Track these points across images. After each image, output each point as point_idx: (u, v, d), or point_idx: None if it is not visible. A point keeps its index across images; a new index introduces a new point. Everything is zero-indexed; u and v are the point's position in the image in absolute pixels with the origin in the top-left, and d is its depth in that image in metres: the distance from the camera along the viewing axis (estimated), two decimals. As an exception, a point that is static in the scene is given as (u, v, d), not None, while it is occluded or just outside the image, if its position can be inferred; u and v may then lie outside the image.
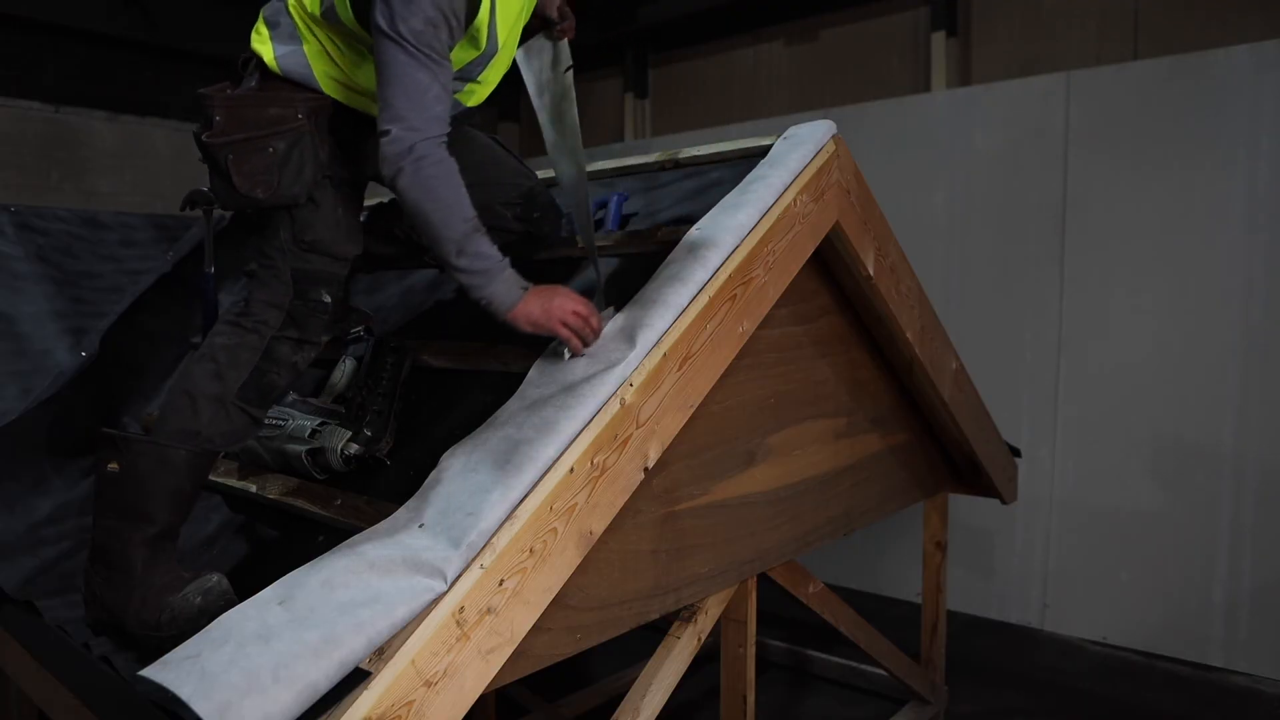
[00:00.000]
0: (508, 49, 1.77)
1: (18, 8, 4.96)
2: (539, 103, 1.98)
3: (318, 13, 1.63)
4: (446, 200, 1.51)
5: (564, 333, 1.56)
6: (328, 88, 1.67)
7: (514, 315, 1.56)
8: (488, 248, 1.55)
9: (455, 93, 1.72)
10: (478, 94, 1.82)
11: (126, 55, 5.57)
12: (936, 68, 4.72)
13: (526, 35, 1.90)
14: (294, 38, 1.65)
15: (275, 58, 1.66)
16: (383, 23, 1.49)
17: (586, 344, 1.58)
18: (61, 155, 5.30)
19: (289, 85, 1.65)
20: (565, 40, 1.95)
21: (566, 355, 1.60)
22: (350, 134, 1.71)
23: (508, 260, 1.58)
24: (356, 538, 1.35)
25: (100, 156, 5.42)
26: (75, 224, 2.84)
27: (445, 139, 1.54)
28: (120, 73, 5.52)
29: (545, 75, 1.96)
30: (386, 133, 1.50)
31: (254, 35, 1.69)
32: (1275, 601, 3.37)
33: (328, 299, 1.65)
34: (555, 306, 1.56)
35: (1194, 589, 3.54)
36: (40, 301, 2.56)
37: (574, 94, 1.95)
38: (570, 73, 1.94)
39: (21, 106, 5.16)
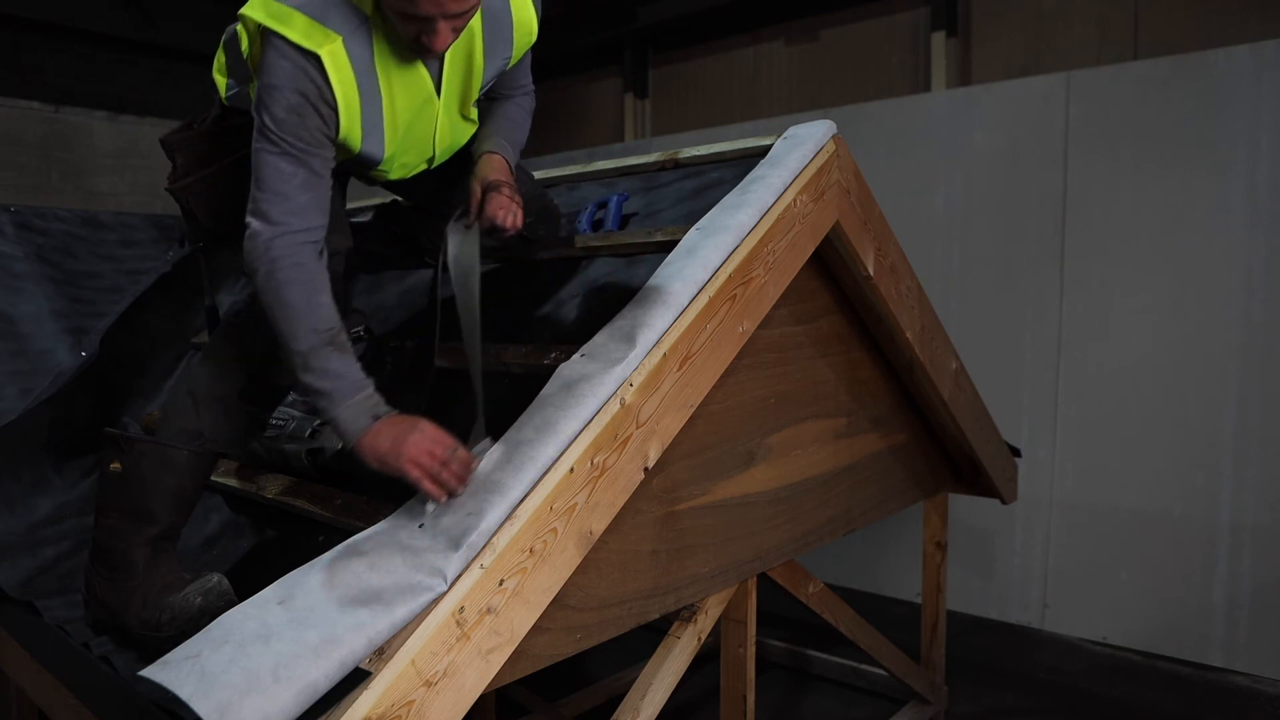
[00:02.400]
0: (416, 137, 1.64)
1: (18, 8, 4.96)
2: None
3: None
4: (296, 308, 1.37)
5: (414, 474, 1.33)
6: None
7: (359, 447, 1.36)
8: (339, 365, 1.38)
9: (371, 168, 1.65)
10: (399, 172, 1.72)
11: (126, 55, 5.57)
12: (936, 68, 4.72)
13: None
14: (242, 72, 1.61)
15: (225, 96, 1.65)
16: (253, 112, 1.43)
17: (449, 490, 1.35)
18: (61, 155, 5.30)
19: (243, 113, 1.62)
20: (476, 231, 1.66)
21: (429, 507, 1.36)
22: None
23: (368, 383, 1.40)
24: (356, 538, 1.35)
25: (100, 156, 5.42)
26: (75, 224, 2.84)
27: (314, 231, 1.43)
28: (120, 73, 5.52)
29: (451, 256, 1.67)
30: (247, 226, 1.40)
31: (215, 63, 1.67)
32: (1275, 601, 3.37)
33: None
34: (409, 444, 1.34)
35: (1194, 589, 3.54)
36: (40, 301, 2.56)
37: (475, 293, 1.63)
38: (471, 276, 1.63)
39: (21, 106, 5.16)
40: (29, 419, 2.16)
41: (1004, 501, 3.13)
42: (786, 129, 2.10)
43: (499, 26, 1.62)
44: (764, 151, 2.07)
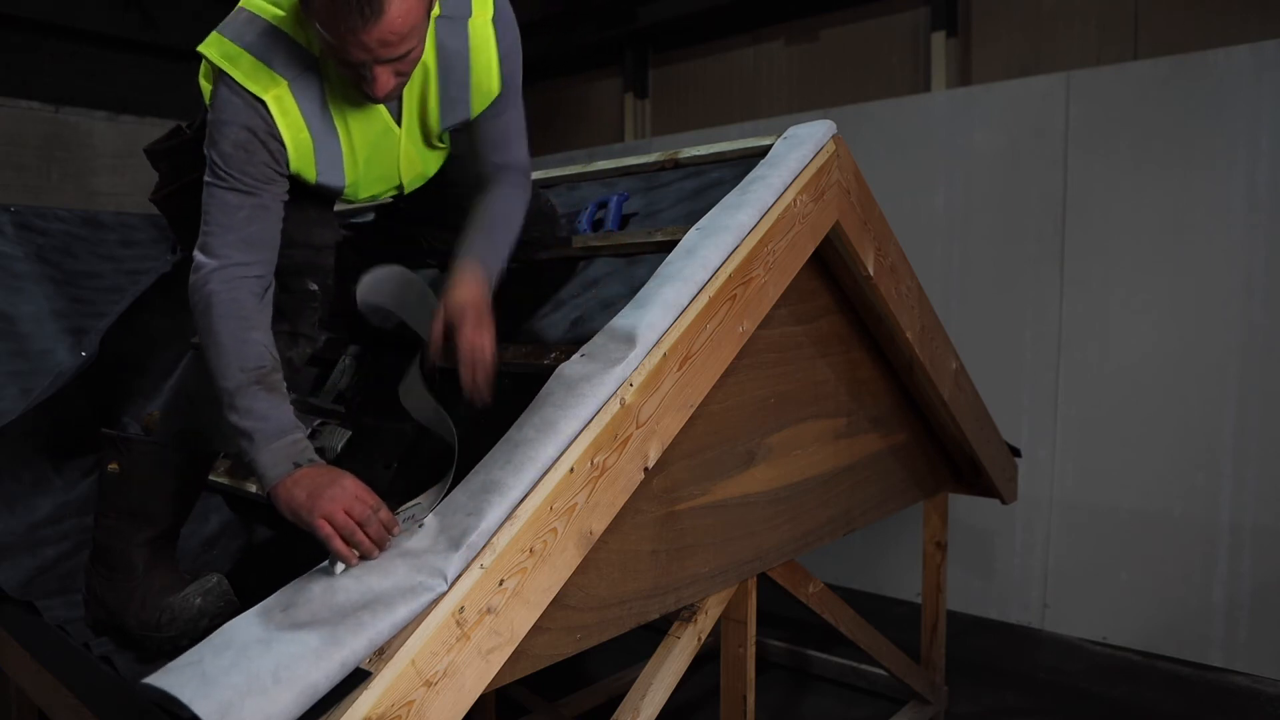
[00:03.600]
0: (379, 166, 1.62)
1: (18, 8, 4.96)
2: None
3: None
4: (225, 345, 1.35)
5: (324, 530, 1.24)
6: None
7: (273, 494, 1.30)
8: (265, 405, 1.33)
9: (335, 197, 1.63)
10: (367, 198, 1.71)
11: (126, 55, 5.57)
12: (936, 68, 4.72)
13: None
14: None
15: (210, 103, 1.67)
16: (204, 148, 1.43)
17: (363, 553, 1.26)
18: (61, 155, 5.30)
19: None
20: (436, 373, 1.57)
21: (337, 569, 1.25)
22: None
23: (296, 428, 1.35)
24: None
25: (100, 156, 5.42)
26: (75, 224, 2.84)
27: (256, 266, 1.42)
28: (120, 73, 5.52)
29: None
30: (192, 258, 1.41)
31: (201, 69, 1.65)
32: (1275, 601, 3.37)
33: (314, 287, 1.65)
34: (325, 498, 1.25)
35: (1194, 589, 3.54)
36: (40, 301, 2.56)
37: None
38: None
39: (21, 106, 5.16)
40: (29, 419, 2.16)
41: (1004, 501, 3.12)
42: (786, 129, 2.10)
43: (452, 69, 1.57)
44: (764, 151, 2.07)
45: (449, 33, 1.54)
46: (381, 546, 1.28)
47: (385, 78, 1.38)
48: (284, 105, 1.43)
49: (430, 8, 1.38)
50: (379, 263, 1.98)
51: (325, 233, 1.68)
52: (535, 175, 2.79)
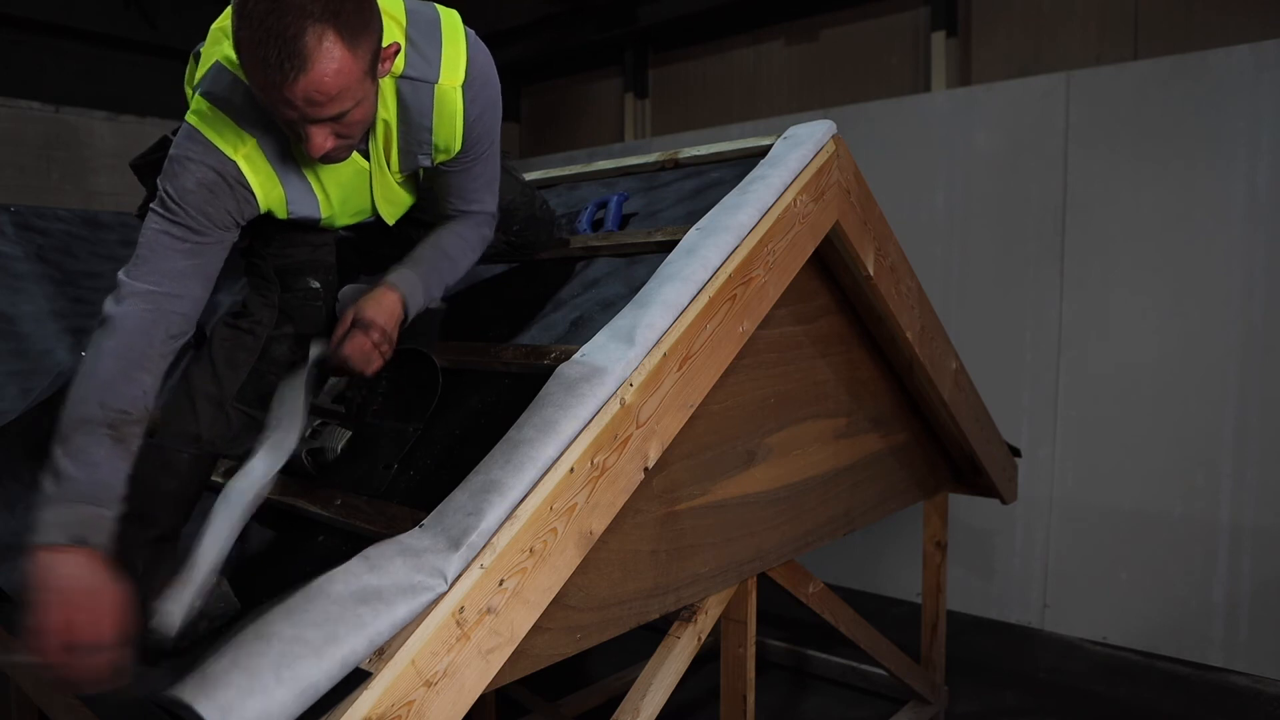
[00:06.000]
0: (353, 200, 1.59)
1: (18, 8, 4.97)
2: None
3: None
4: (103, 373, 1.25)
5: (36, 622, 1.06)
6: None
7: (32, 555, 1.12)
8: (98, 456, 1.19)
9: (313, 226, 1.61)
10: (347, 225, 1.67)
11: (126, 55, 5.57)
12: (936, 68, 4.72)
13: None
14: None
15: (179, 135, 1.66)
16: (159, 181, 1.39)
17: (53, 675, 1.08)
18: (61, 155, 5.30)
19: None
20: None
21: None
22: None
23: (104, 504, 1.18)
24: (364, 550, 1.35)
25: (100, 156, 5.42)
26: (75, 224, 2.84)
27: (180, 301, 1.34)
28: (120, 73, 5.53)
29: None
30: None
31: (186, 75, 1.66)
32: (1275, 601, 3.37)
33: (316, 285, 1.65)
34: (68, 595, 1.07)
35: (1194, 589, 3.54)
36: (40, 301, 2.55)
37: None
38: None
39: (21, 106, 5.16)
40: (29, 419, 2.16)
41: (1004, 501, 3.13)
42: (786, 129, 2.10)
43: (413, 126, 1.53)
44: (764, 151, 2.07)
45: (411, 92, 1.49)
46: (79, 685, 1.10)
47: (320, 138, 1.30)
48: (254, 164, 1.41)
49: (371, 69, 1.31)
50: (380, 263, 1.99)
51: (324, 231, 1.68)
52: (535, 175, 2.80)
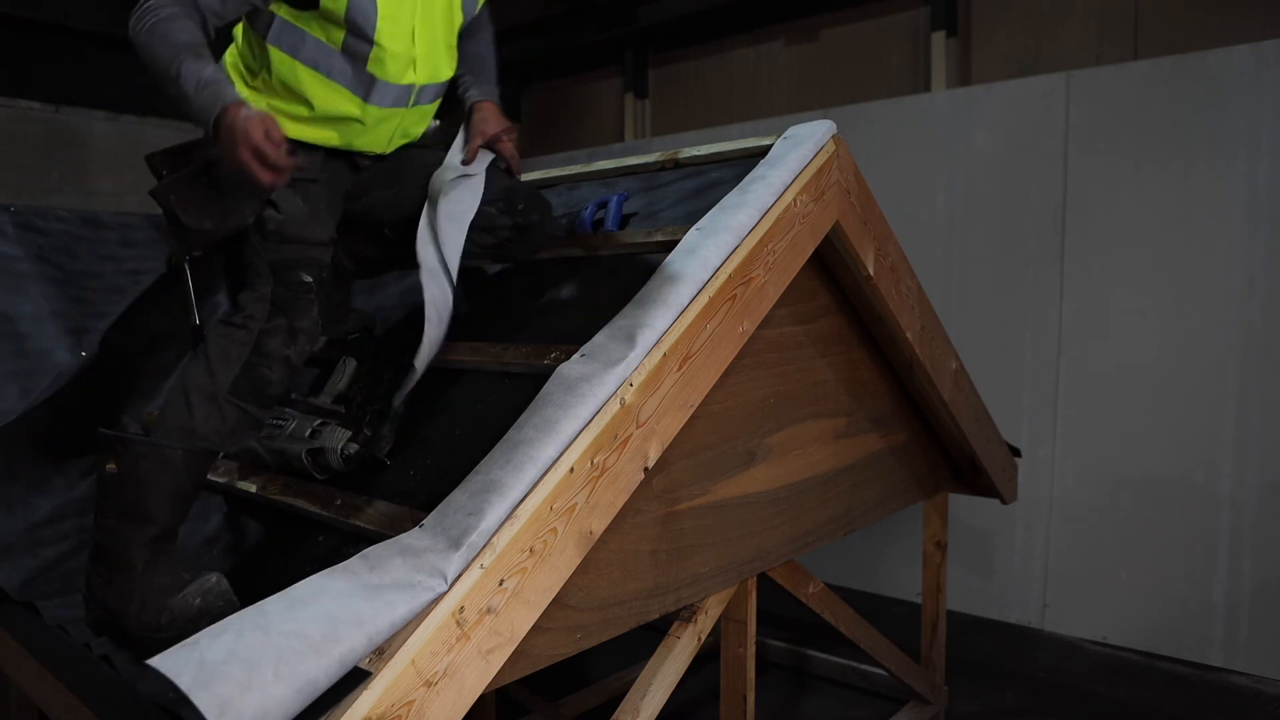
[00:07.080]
0: (401, 24, 1.75)
1: (18, 8, 4.96)
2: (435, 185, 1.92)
3: (248, 61, 1.78)
4: (161, 38, 1.56)
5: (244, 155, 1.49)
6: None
7: (219, 121, 1.52)
8: (196, 67, 1.56)
9: (362, 53, 1.74)
10: (387, 64, 1.79)
11: (126, 55, 5.57)
12: (936, 68, 4.72)
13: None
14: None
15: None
16: None
17: (278, 169, 1.51)
18: (61, 155, 5.30)
19: None
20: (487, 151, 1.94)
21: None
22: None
23: (228, 84, 1.57)
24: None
25: (100, 156, 5.42)
26: (75, 224, 2.83)
27: (210, 12, 1.61)
28: (120, 73, 5.52)
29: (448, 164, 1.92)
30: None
31: (227, 59, 1.72)
32: (1275, 601, 3.37)
33: (308, 279, 1.67)
34: (253, 122, 1.49)
35: (1194, 589, 3.54)
36: (40, 301, 2.55)
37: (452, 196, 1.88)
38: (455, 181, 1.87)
39: (21, 106, 5.16)
40: (29, 419, 2.16)
41: (1004, 501, 3.13)
42: (786, 129, 2.10)
43: None
44: (764, 151, 2.07)
45: None
46: (281, 171, 1.51)
47: None
48: None
49: None
50: (371, 266, 2.01)
51: (318, 230, 1.72)
52: (535, 175, 2.80)
